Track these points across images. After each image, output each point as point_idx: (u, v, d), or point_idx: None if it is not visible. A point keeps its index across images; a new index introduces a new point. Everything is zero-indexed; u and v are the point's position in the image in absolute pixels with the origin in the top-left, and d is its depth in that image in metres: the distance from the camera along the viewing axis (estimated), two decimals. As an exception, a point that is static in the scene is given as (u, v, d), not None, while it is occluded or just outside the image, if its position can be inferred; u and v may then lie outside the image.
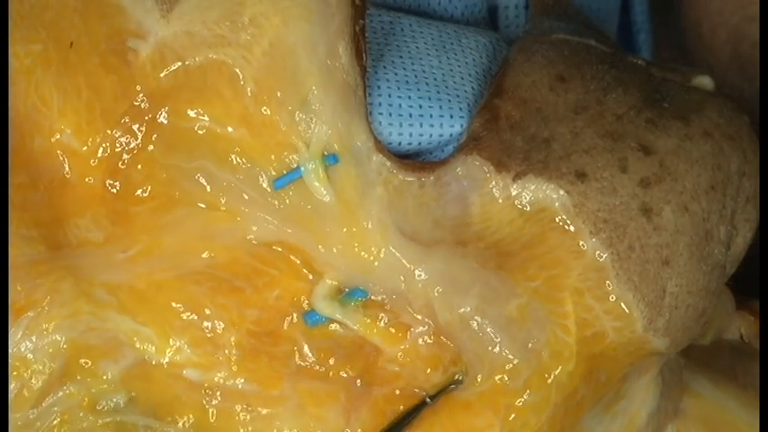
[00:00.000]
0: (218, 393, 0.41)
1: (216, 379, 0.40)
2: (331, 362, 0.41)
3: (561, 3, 0.46)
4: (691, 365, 0.45)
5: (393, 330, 0.40)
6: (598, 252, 0.40)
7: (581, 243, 0.40)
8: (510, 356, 0.40)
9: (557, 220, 0.40)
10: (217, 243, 0.41)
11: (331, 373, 0.41)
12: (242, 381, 0.40)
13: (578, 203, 0.40)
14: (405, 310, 0.40)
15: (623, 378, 0.42)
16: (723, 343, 0.47)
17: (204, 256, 0.40)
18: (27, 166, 0.40)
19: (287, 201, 0.40)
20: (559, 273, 0.40)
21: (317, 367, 0.41)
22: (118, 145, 0.40)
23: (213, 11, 0.39)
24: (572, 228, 0.40)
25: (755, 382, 0.45)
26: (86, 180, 0.41)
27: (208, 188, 0.41)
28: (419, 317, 0.40)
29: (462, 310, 0.40)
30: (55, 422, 0.40)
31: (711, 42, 0.51)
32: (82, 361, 0.40)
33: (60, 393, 0.40)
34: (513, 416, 0.40)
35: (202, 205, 0.41)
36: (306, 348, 0.41)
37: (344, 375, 0.40)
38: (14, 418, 0.39)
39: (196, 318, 0.41)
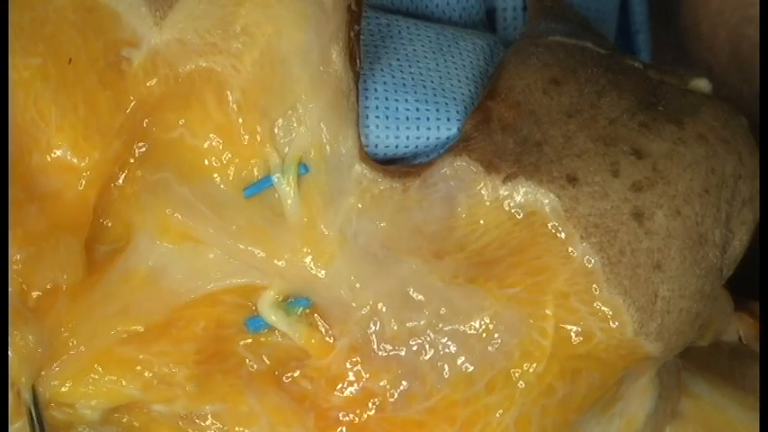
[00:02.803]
0: (190, 417, 0.41)
1: (182, 409, 0.41)
2: (276, 369, 0.41)
3: (559, 4, 0.46)
4: (689, 367, 0.45)
5: (326, 341, 0.41)
6: (588, 257, 0.40)
7: (570, 249, 0.40)
8: (466, 366, 0.40)
9: (548, 225, 0.40)
10: (131, 315, 0.41)
11: (283, 380, 0.41)
12: (207, 404, 0.41)
13: (569, 208, 0.40)
14: (342, 321, 0.41)
15: (620, 380, 0.42)
16: (721, 345, 0.46)
17: (120, 332, 0.41)
18: (23, 181, 0.40)
19: (243, 214, 0.41)
20: (545, 278, 0.40)
21: (269, 372, 0.41)
22: (113, 160, 0.41)
23: (206, 19, 0.40)
24: (562, 233, 0.40)
25: (754, 383, 0.45)
26: (81, 197, 0.41)
27: (166, 209, 0.41)
28: (354, 330, 0.41)
29: (412, 324, 0.40)
30: None
31: (711, 43, 0.51)
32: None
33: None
34: (472, 422, 0.40)
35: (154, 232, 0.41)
36: (250, 359, 0.41)
37: (301, 384, 0.41)
38: None
39: (140, 369, 0.41)
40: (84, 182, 0.41)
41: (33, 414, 0.40)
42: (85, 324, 0.41)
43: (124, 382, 0.41)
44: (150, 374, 0.41)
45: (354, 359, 0.41)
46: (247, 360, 0.41)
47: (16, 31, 0.40)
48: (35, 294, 0.40)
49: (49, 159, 0.41)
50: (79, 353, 0.41)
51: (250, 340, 0.41)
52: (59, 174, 0.41)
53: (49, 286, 0.40)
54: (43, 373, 0.40)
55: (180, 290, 0.41)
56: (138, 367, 0.41)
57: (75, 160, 0.41)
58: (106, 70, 0.40)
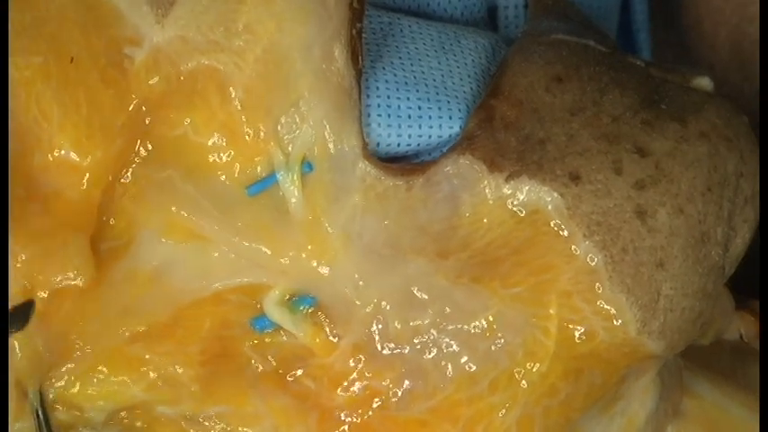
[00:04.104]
0: (194, 418, 0.41)
1: (187, 410, 0.41)
2: (281, 369, 0.41)
3: (560, 2, 0.46)
4: (690, 366, 0.45)
5: (329, 340, 0.41)
6: (590, 255, 0.40)
7: (573, 247, 0.40)
8: (469, 365, 0.40)
9: (550, 223, 0.40)
10: (136, 315, 0.41)
11: (287, 380, 0.41)
12: (212, 406, 0.41)
13: (572, 206, 0.40)
14: (345, 319, 0.41)
15: (621, 379, 0.42)
16: (723, 343, 0.46)
17: (126, 332, 0.41)
18: (25, 180, 0.40)
19: (248, 212, 0.41)
20: (548, 278, 0.40)
21: (275, 373, 0.41)
22: (116, 158, 0.41)
23: (208, 16, 0.40)
24: (565, 231, 0.40)
25: (755, 383, 0.45)
26: (84, 196, 0.41)
27: (171, 207, 0.40)
28: (358, 328, 0.40)
29: (416, 323, 0.40)
30: None
31: (712, 41, 0.51)
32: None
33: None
34: (474, 422, 0.40)
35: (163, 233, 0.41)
36: (256, 359, 0.41)
37: (304, 383, 0.41)
38: None
39: (145, 370, 0.41)
40: (87, 180, 0.41)
41: (41, 416, 0.40)
42: (92, 325, 0.41)
43: (130, 383, 0.41)
44: (155, 375, 0.41)
45: (358, 357, 0.41)
46: (253, 361, 0.41)
47: (17, 30, 0.40)
48: (42, 297, 0.40)
49: (52, 158, 0.40)
50: (85, 354, 0.40)
51: (256, 341, 0.41)
52: (62, 172, 0.40)
53: (57, 287, 0.40)
54: (51, 374, 0.40)
55: (185, 289, 0.41)
56: (144, 368, 0.41)
57: (77, 159, 0.40)
58: (108, 68, 0.40)
